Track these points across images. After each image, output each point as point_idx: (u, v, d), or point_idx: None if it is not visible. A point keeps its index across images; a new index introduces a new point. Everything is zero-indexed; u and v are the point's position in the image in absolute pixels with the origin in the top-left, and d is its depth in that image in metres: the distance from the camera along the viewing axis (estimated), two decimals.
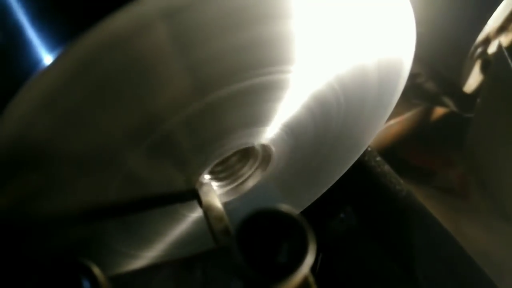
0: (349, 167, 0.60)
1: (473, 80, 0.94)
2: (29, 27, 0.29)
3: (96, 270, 0.24)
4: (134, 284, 0.27)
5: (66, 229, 0.37)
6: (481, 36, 0.85)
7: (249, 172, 0.46)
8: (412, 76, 0.98)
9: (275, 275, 0.24)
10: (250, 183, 0.47)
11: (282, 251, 0.24)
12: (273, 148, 0.44)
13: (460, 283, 0.72)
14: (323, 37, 0.37)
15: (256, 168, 0.46)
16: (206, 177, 0.43)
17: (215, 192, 0.41)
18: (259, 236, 0.25)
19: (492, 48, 0.88)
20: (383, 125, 0.56)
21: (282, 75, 0.37)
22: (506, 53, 0.83)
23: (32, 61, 0.27)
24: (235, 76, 0.34)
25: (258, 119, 0.40)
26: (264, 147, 0.44)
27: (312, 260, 0.24)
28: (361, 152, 0.59)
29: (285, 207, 0.26)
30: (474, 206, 0.98)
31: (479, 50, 0.88)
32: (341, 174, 0.60)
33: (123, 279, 0.27)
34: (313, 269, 0.27)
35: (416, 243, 0.78)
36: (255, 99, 0.37)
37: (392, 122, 0.97)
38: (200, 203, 0.41)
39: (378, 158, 0.86)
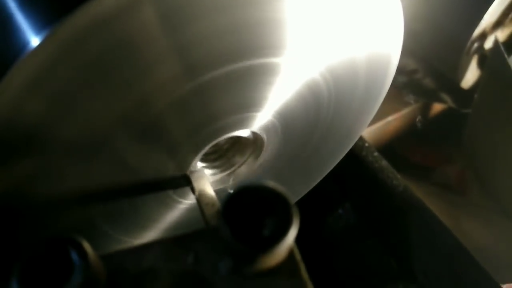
0: (340, 159, 0.60)
1: (470, 75, 0.94)
2: (16, 10, 0.29)
3: (86, 244, 0.24)
4: (125, 261, 0.28)
5: (59, 214, 0.37)
6: (477, 31, 0.85)
7: (242, 160, 0.47)
8: (410, 73, 0.99)
9: (261, 247, 0.24)
10: (242, 171, 0.47)
11: (267, 224, 0.25)
12: (264, 136, 0.44)
13: (458, 278, 0.72)
14: (314, 25, 0.37)
15: (249, 156, 0.47)
16: (199, 164, 0.44)
17: (207, 178, 0.42)
18: (245, 210, 0.25)
19: (488, 43, 0.88)
20: (371, 118, 0.56)
21: (272, 59, 0.37)
22: (502, 48, 0.83)
23: (19, 44, 0.27)
24: (224, 58, 0.34)
25: (249, 104, 0.40)
26: (256, 135, 0.44)
27: (296, 232, 0.25)
28: (352, 144, 0.59)
29: (269, 182, 0.26)
30: (472, 202, 0.98)
31: (476, 45, 0.88)
32: (333, 166, 0.60)
33: (114, 257, 0.28)
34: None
35: (414, 238, 0.78)
36: (245, 83, 0.37)
37: (390, 118, 0.98)
38: (192, 189, 0.41)
39: (376, 154, 0.86)
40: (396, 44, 0.44)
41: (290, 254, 0.28)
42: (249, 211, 0.26)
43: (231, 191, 0.26)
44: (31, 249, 0.24)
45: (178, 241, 0.30)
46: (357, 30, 0.40)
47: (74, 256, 0.24)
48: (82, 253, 0.24)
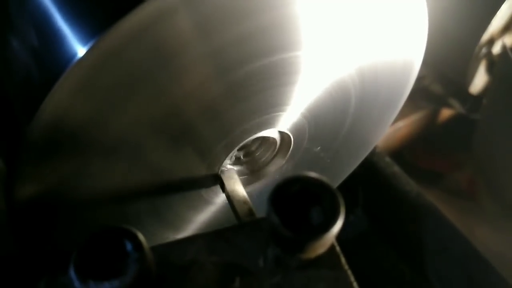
0: (356, 166, 0.61)
1: (479, 81, 0.95)
2: (63, 24, 0.31)
3: (140, 235, 0.25)
4: (170, 254, 0.29)
5: (97, 211, 0.38)
6: (485, 37, 0.86)
7: (269, 159, 0.47)
8: (418, 79, 0.99)
9: (308, 234, 0.25)
10: (269, 170, 0.48)
11: (314, 214, 0.26)
12: (292, 135, 0.45)
13: (473, 282, 0.72)
14: (336, 26, 0.38)
15: (275, 155, 0.47)
16: (228, 163, 0.44)
17: (237, 177, 0.43)
18: (292, 200, 0.26)
19: (496, 49, 0.89)
20: (389, 126, 0.57)
21: (293, 59, 0.38)
22: (510, 53, 0.84)
23: (67, 54, 0.30)
24: (252, 60, 0.36)
25: (276, 103, 0.41)
26: (283, 134, 0.45)
27: (342, 221, 0.26)
28: (368, 151, 0.60)
29: (315, 174, 0.27)
30: (483, 208, 0.98)
31: (484, 50, 0.89)
32: (348, 173, 0.61)
33: (161, 249, 0.28)
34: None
35: (428, 243, 0.77)
36: (271, 82, 0.39)
37: (399, 124, 0.98)
38: (223, 187, 0.42)
39: (387, 159, 0.87)
40: (419, 52, 0.45)
41: (331, 246, 0.29)
42: (296, 200, 0.26)
43: (278, 181, 0.26)
44: (87, 238, 0.25)
45: (220, 234, 0.30)
46: (385, 36, 0.41)
47: (129, 247, 0.24)
48: (138, 245, 0.24)
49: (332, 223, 0.25)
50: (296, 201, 0.26)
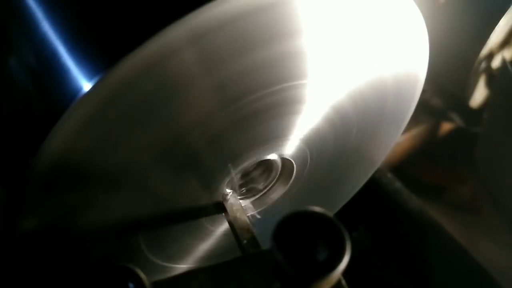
0: (362, 185, 0.60)
1: (479, 94, 0.95)
2: (68, 59, 0.31)
3: (142, 275, 0.24)
4: None
5: (100, 243, 0.37)
6: (484, 51, 0.86)
7: (272, 185, 0.47)
8: None
9: (314, 273, 0.24)
10: (272, 196, 0.47)
11: (319, 251, 0.25)
12: (294, 162, 0.45)
13: None
14: (337, 51, 0.38)
15: (277, 182, 0.47)
16: (230, 190, 0.44)
17: (240, 204, 0.42)
18: (296, 236, 0.25)
19: (495, 63, 0.89)
20: (395, 141, 0.57)
21: (298, 89, 0.38)
22: (510, 67, 0.84)
23: (72, 89, 0.30)
24: (256, 93, 0.36)
25: (279, 133, 0.41)
26: (285, 161, 0.45)
27: (349, 258, 0.25)
28: (374, 170, 0.59)
29: (318, 208, 0.26)
30: (486, 222, 0.98)
31: (483, 64, 0.89)
32: (354, 192, 0.61)
33: (164, 284, 0.28)
34: None
35: (432, 260, 0.77)
36: (274, 113, 0.39)
37: (400, 139, 0.98)
38: (226, 215, 0.42)
39: (389, 175, 0.86)
40: (422, 62, 0.45)
41: (338, 281, 0.28)
42: (300, 236, 0.26)
43: (282, 216, 0.26)
44: (89, 277, 0.24)
45: (223, 267, 0.30)
46: (382, 51, 0.41)
47: (132, 286, 0.24)
48: (140, 284, 0.24)
49: (339, 261, 0.24)
50: (301, 236, 0.26)
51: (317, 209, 0.26)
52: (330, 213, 0.26)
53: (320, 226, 0.26)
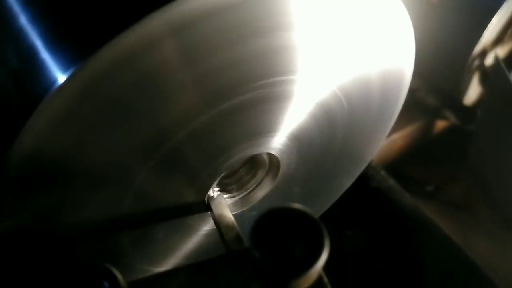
0: (352, 181, 0.60)
1: (472, 92, 0.95)
2: (43, 50, 0.30)
3: (118, 274, 0.24)
4: None
5: (80, 242, 0.37)
6: (477, 49, 0.86)
7: (258, 183, 0.47)
8: (412, 91, 0.99)
9: (292, 270, 0.24)
10: (259, 194, 0.47)
11: (298, 248, 0.25)
12: (280, 158, 0.44)
13: None
14: (324, 47, 0.38)
15: (264, 179, 0.47)
16: (216, 188, 0.44)
17: (225, 202, 0.42)
18: (274, 233, 0.25)
19: (489, 60, 0.89)
20: (385, 138, 0.56)
21: (285, 86, 0.38)
22: (503, 65, 0.84)
23: (47, 81, 0.29)
24: (240, 88, 0.35)
25: (265, 129, 0.41)
26: (272, 157, 0.44)
27: (327, 255, 0.25)
28: (365, 165, 0.59)
29: (297, 205, 0.26)
30: (480, 220, 0.97)
31: (476, 62, 0.89)
32: (345, 189, 0.61)
33: (141, 284, 0.28)
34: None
35: (426, 258, 0.76)
36: (260, 109, 0.38)
37: (394, 137, 0.98)
38: (211, 213, 0.41)
39: (383, 173, 0.86)
40: (408, 59, 0.45)
41: (319, 277, 0.28)
42: (278, 234, 0.25)
43: (259, 214, 0.26)
44: (64, 276, 0.24)
45: (203, 267, 0.30)
46: (367, 47, 0.41)
47: (107, 286, 0.23)
48: (115, 284, 0.23)
49: (316, 258, 0.24)
50: (279, 233, 0.25)
51: (296, 205, 0.26)
52: (310, 210, 0.26)
53: (298, 222, 0.25)
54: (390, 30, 0.40)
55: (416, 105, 1.01)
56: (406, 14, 0.40)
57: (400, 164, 1.01)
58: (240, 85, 0.35)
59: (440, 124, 1.05)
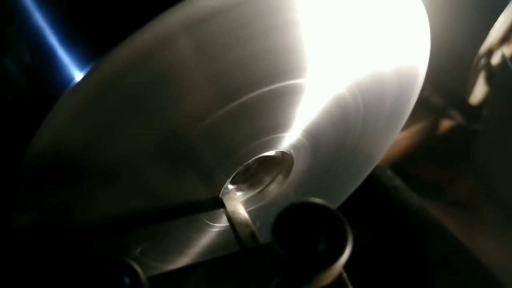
0: (361, 181, 0.60)
1: (478, 91, 0.94)
2: (60, 48, 0.30)
3: (138, 269, 0.24)
4: (170, 284, 0.27)
5: (94, 239, 0.37)
6: (484, 47, 0.86)
7: (271, 179, 0.47)
8: None
9: (315, 265, 0.24)
10: (273, 191, 0.47)
11: (320, 243, 0.25)
12: (294, 155, 0.44)
13: None
14: (336, 43, 0.37)
15: (277, 175, 0.46)
16: (229, 185, 0.44)
17: (238, 199, 0.42)
18: (297, 228, 0.25)
19: (495, 59, 0.89)
20: (394, 139, 0.56)
21: (298, 81, 0.37)
22: (509, 64, 0.84)
23: (63, 79, 0.29)
24: (253, 84, 0.35)
25: (278, 125, 0.40)
26: (285, 154, 0.44)
27: (350, 250, 0.25)
28: (373, 166, 0.59)
29: (319, 200, 0.26)
30: (486, 219, 0.97)
31: (483, 61, 0.89)
32: (354, 189, 0.60)
33: (160, 279, 0.27)
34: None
35: (432, 257, 0.76)
36: (272, 105, 0.38)
37: (400, 136, 0.98)
38: (224, 210, 0.41)
39: (389, 173, 0.86)
40: (423, 58, 0.44)
41: (339, 273, 0.27)
42: (300, 229, 0.25)
43: (281, 208, 0.25)
44: (84, 270, 0.24)
45: (221, 262, 0.29)
46: (383, 43, 0.40)
47: (127, 280, 0.23)
48: (135, 279, 0.23)
49: (340, 254, 0.23)
50: (301, 228, 0.25)
51: (318, 200, 0.26)
52: (331, 205, 0.26)
53: (321, 218, 0.25)
54: (407, 27, 0.40)
55: (421, 104, 1.00)
56: (424, 12, 0.40)
57: (405, 164, 1.01)
58: (253, 81, 0.35)
59: (446, 124, 1.05)
